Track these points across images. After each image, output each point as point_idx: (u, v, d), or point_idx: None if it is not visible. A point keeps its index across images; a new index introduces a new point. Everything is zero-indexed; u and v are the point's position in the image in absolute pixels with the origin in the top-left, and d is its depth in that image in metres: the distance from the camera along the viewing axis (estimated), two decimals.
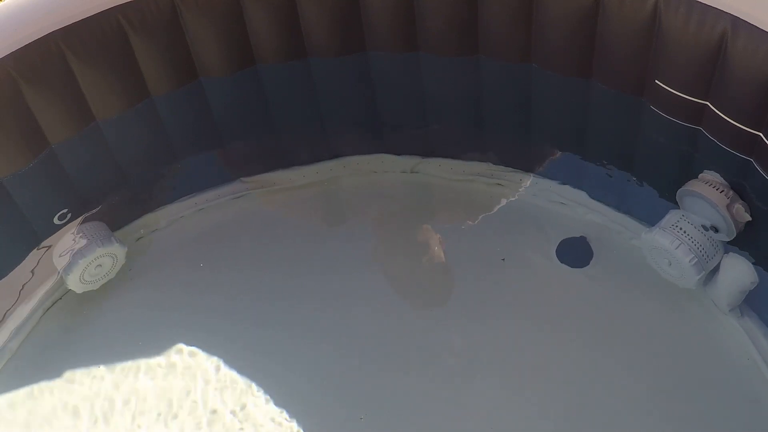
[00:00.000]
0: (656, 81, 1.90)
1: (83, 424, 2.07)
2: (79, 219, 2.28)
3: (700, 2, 1.73)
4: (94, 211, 2.31)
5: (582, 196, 2.38)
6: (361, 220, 2.52)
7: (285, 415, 2.04)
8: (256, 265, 2.39)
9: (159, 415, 2.07)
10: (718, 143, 1.88)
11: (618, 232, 2.32)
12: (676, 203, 2.09)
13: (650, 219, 2.18)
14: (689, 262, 2.01)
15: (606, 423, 1.96)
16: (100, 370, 2.17)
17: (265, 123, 2.45)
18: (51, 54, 1.96)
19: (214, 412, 2.06)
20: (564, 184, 2.41)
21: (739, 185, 1.94)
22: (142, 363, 2.17)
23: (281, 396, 2.07)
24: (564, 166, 2.37)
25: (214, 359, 2.16)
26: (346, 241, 2.45)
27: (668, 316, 2.14)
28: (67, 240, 2.25)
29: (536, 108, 2.26)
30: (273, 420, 2.03)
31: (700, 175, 2.00)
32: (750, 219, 1.93)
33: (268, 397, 2.07)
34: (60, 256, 2.25)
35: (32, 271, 2.26)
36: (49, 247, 2.26)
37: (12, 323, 2.24)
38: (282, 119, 2.45)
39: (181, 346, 2.20)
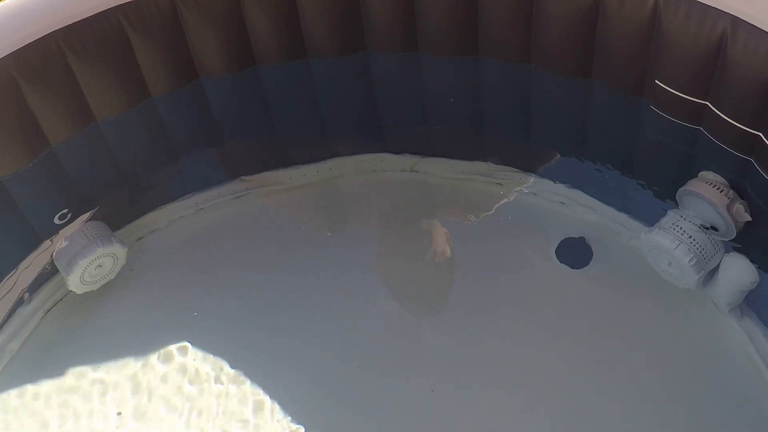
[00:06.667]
0: (656, 81, 1.90)
1: (84, 424, 2.07)
2: (80, 219, 2.28)
3: (700, 2, 1.73)
4: (95, 210, 2.31)
5: (582, 196, 2.38)
6: (361, 220, 2.52)
7: (284, 415, 2.04)
8: (256, 265, 2.39)
9: (159, 415, 2.07)
10: (718, 143, 1.88)
11: (618, 232, 2.32)
12: (676, 203, 2.09)
13: (650, 219, 2.18)
14: (689, 262, 2.01)
15: (605, 423, 1.96)
16: (101, 370, 2.17)
17: (265, 123, 2.45)
18: (51, 54, 1.96)
19: (213, 411, 2.06)
20: (564, 183, 2.41)
21: (739, 185, 1.94)
22: (143, 363, 2.17)
23: (280, 397, 2.07)
24: (564, 166, 2.37)
25: (214, 359, 2.16)
26: (346, 240, 2.45)
27: (668, 316, 2.14)
28: (68, 240, 2.25)
29: (536, 108, 2.26)
30: (272, 421, 2.03)
31: (700, 175, 2.00)
32: (750, 219, 1.93)
33: (268, 397, 2.07)
34: (60, 256, 2.25)
35: (32, 272, 2.26)
36: (50, 247, 2.26)
37: (12, 324, 2.24)
38: (282, 119, 2.45)
39: (182, 346, 2.20)
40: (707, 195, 1.95)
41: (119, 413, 2.08)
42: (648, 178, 2.20)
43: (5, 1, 1.99)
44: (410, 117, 2.45)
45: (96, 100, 2.11)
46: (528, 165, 2.45)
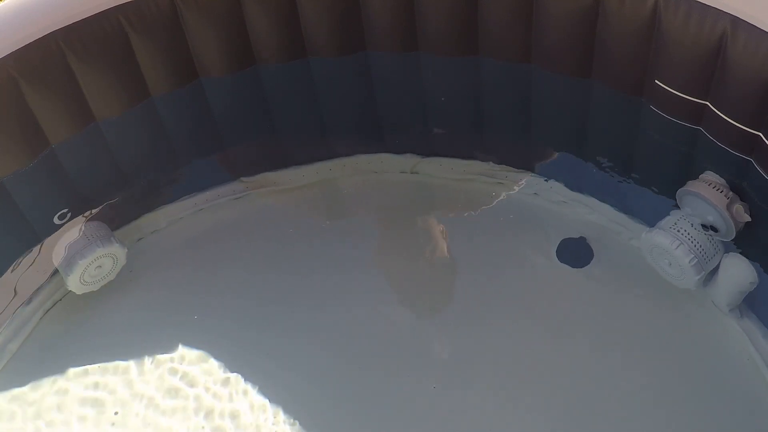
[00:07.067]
0: (656, 81, 1.91)
1: (83, 425, 2.07)
2: (80, 219, 2.28)
3: (700, 2, 1.73)
4: (94, 211, 2.31)
5: (582, 196, 2.38)
6: (361, 220, 2.52)
7: (283, 415, 2.04)
8: (256, 266, 2.39)
9: (158, 415, 2.07)
10: (718, 143, 1.88)
11: (618, 232, 2.32)
12: (676, 203, 2.09)
13: (650, 219, 2.18)
14: (689, 262, 2.01)
15: (605, 423, 1.96)
16: (100, 371, 2.17)
17: (265, 123, 2.45)
18: (51, 54, 1.96)
19: (213, 412, 2.06)
20: (564, 184, 2.41)
21: (739, 185, 1.94)
22: (142, 364, 2.17)
23: (280, 397, 2.07)
24: (564, 166, 2.37)
25: (214, 360, 2.16)
26: (345, 241, 2.45)
27: (668, 316, 2.14)
28: (67, 240, 2.25)
29: (536, 108, 2.26)
30: (274, 421, 2.03)
31: (701, 176, 2.00)
32: (750, 219, 1.93)
33: (268, 398, 2.07)
34: (60, 256, 2.25)
35: (32, 272, 2.25)
36: (49, 247, 2.26)
37: (12, 324, 2.24)
38: (282, 119, 2.45)
39: (182, 346, 2.20)
40: (707, 195, 1.95)
41: (116, 413, 2.07)
42: (648, 178, 2.20)
43: (5, 1, 1.99)
44: (410, 117, 2.45)
45: (96, 100, 2.11)
46: (528, 165, 2.45)
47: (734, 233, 1.97)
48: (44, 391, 2.13)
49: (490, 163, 2.50)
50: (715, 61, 1.76)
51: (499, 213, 2.45)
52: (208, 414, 2.06)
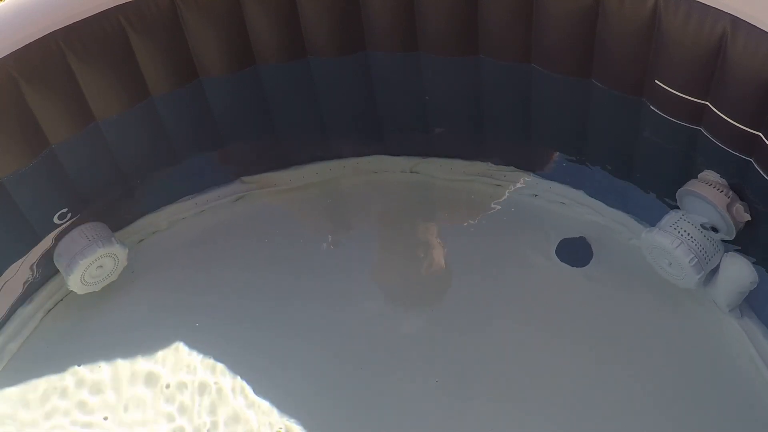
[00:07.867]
0: (656, 81, 1.91)
1: (83, 424, 2.07)
2: (80, 219, 2.28)
3: (700, 2, 1.73)
4: (95, 211, 2.31)
5: (582, 196, 2.38)
6: (361, 221, 2.52)
7: (282, 416, 2.04)
8: (257, 266, 2.39)
9: (159, 415, 2.07)
10: (718, 143, 1.88)
11: (618, 232, 2.33)
12: (676, 203, 2.09)
13: (650, 219, 2.18)
14: (689, 262, 2.01)
15: (605, 423, 1.96)
16: (101, 371, 2.17)
17: (265, 123, 2.45)
18: (51, 54, 1.96)
19: (212, 412, 2.06)
20: (564, 184, 2.41)
21: (739, 185, 1.94)
22: (144, 364, 2.17)
23: (280, 397, 2.07)
24: (564, 166, 2.37)
25: (215, 360, 2.16)
26: (346, 240, 2.45)
27: (668, 316, 2.14)
28: (68, 240, 2.25)
29: (536, 108, 2.26)
30: (270, 421, 2.03)
31: (700, 175, 2.00)
32: (750, 219, 1.94)
33: (267, 398, 2.07)
34: (60, 256, 2.25)
35: (32, 272, 2.25)
36: (50, 246, 2.26)
37: (13, 324, 2.24)
38: (282, 119, 2.45)
39: (182, 347, 2.20)
40: (707, 195, 1.95)
41: (113, 414, 2.07)
42: (648, 178, 2.20)
43: (5, 1, 1.99)
44: (410, 117, 2.45)
45: (96, 100, 2.11)
46: (528, 165, 2.45)
47: (734, 233, 1.97)
48: (45, 391, 2.13)
49: (490, 163, 2.50)
50: (715, 61, 1.76)
51: (499, 213, 2.45)
52: (208, 414, 2.06)
